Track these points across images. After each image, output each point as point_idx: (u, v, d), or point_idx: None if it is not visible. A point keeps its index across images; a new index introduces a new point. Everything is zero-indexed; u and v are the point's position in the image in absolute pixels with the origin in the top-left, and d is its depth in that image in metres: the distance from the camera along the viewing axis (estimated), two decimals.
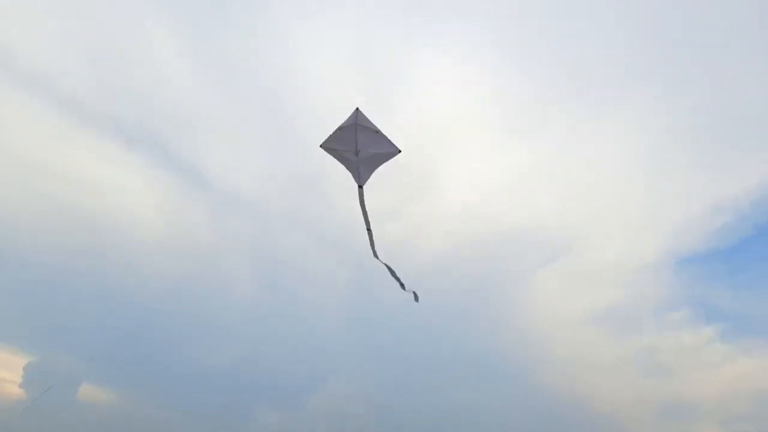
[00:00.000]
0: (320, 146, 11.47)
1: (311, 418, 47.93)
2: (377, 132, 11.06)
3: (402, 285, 12.73)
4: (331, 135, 11.27)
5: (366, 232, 12.18)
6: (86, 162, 50.13)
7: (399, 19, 53.16)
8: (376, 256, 12.41)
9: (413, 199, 59.67)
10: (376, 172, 12.26)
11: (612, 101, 55.61)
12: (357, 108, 10.75)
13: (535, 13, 51.42)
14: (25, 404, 43.25)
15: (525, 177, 60.87)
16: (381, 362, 52.79)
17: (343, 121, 10.94)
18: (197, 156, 55.36)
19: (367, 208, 12.13)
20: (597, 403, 52.60)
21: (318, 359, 52.68)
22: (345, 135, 11.09)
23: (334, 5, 50.76)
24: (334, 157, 11.80)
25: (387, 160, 11.76)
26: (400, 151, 11.50)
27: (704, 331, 56.80)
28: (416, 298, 13.02)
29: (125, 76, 50.61)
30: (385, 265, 12.53)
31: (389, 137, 11.23)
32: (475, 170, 60.27)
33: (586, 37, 52.27)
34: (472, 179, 60.66)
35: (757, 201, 54.73)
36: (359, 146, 11.27)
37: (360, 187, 11.96)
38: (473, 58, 54.07)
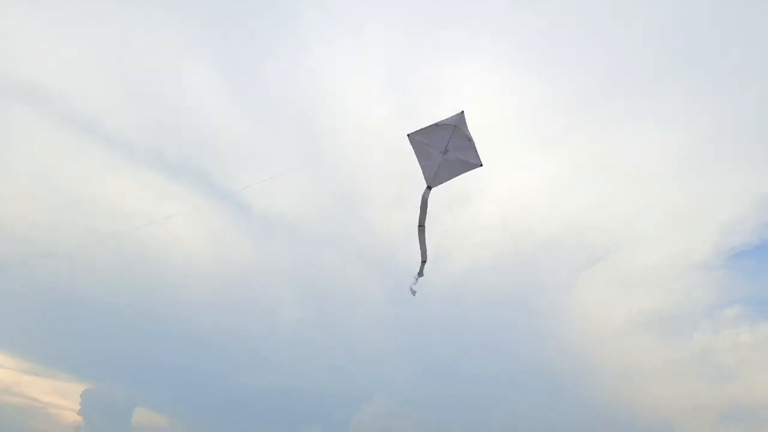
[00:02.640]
0: (408, 135, 11.33)
1: None
2: (470, 140, 11.06)
3: (419, 274, 11.98)
4: (424, 128, 11.15)
5: (418, 228, 11.72)
6: (132, 194, 52.24)
7: (426, 39, 53.79)
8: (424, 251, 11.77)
9: (452, 210, 59.55)
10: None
11: (648, 101, 54.70)
12: (462, 111, 10.82)
13: (562, 21, 51.21)
14: (82, 429, 44.77)
15: (563, 183, 60.18)
16: (425, 378, 52.44)
17: (443, 119, 10.92)
18: (238, 183, 56.77)
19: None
20: (652, 410, 50.67)
21: (362, 377, 52.76)
22: (440, 132, 11.04)
23: (363, 29, 51.79)
24: (416, 150, 11.53)
25: (466, 170, 11.57)
26: (481, 165, 11.40)
27: (763, 327, 53.94)
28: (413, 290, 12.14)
29: (167, 112, 52.83)
30: (423, 260, 11.88)
31: (477, 150, 11.11)
32: (512, 179, 59.87)
33: (617, 40, 51.66)
34: (509, 188, 60.24)
35: None
36: (449, 147, 11.17)
37: (429, 187, 11.68)
38: (504, 70, 54.12)
